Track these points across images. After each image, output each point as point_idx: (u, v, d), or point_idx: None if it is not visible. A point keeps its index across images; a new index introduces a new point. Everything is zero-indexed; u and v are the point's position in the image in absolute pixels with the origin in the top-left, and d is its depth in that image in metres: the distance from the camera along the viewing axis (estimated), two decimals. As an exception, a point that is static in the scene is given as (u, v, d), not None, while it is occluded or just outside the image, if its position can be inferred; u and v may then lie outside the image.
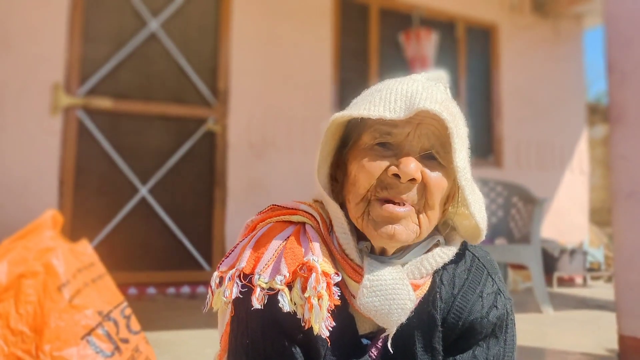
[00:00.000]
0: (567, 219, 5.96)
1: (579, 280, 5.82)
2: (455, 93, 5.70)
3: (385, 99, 0.86)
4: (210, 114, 4.66)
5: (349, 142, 0.93)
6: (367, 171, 0.85)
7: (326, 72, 5.09)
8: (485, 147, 5.76)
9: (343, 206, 0.91)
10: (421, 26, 5.26)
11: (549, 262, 5.23)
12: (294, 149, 4.85)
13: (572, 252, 5.47)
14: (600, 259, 5.92)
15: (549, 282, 5.27)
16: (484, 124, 5.78)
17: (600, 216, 7.61)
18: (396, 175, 0.84)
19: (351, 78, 5.24)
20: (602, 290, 5.19)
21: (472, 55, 5.84)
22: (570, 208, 6.01)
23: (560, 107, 6.10)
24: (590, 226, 6.48)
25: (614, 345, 2.62)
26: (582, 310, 4.12)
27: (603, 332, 3.13)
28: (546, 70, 6.09)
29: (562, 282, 5.66)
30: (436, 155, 0.87)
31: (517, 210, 4.17)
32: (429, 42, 5.11)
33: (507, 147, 5.78)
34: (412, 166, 0.83)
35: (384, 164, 0.85)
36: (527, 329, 3.26)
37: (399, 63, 5.31)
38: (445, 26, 5.62)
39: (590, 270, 5.82)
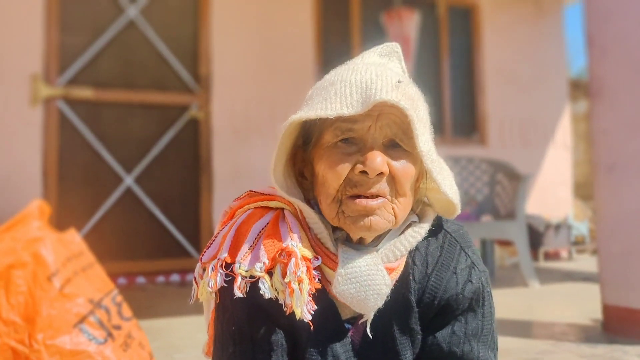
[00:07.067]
0: (551, 194, 6.04)
1: (564, 254, 5.92)
2: (438, 73, 5.71)
3: (340, 94, 0.85)
4: (192, 101, 4.63)
5: (311, 139, 0.92)
6: (334, 172, 0.85)
7: (308, 54, 5.06)
8: (470, 125, 5.79)
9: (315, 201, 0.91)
10: (403, 6, 5.24)
11: (535, 237, 5.31)
12: (278, 134, 4.83)
13: (557, 227, 5.55)
14: (585, 232, 6.01)
15: (535, 256, 5.36)
16: (468, 103, 5.81)
17: (584, 190, 7.71)
18: (363, 172, 0.84)
19: (333, 60, 5.16)
20: (587, 263, 5.28)
21: (454, 34, 5.84)
22: (555, 183, 6.08)
23: (543, 83, 6.14)
24: (574, 200, 6.57)
25: (599, 315, 2.68)
26: (567, 283, 4.20)
27: (588, 303, 3.19)
28: (528, 47, 6.11)
29: (548, 256, 5.75)
30: (400, 143, 0.87)
31: (502, 187, 4.21)
32: (411, 22, 5.09)
33: (491, 125, 5.81)
34: (378, 161, 0.83)
35: (350, 163, 0.85)
36: (514, 303, 3.32)
37: (381, 44, 5.27)
38: (426, 6, 5.61)
39: (576, 243, 5.91)
